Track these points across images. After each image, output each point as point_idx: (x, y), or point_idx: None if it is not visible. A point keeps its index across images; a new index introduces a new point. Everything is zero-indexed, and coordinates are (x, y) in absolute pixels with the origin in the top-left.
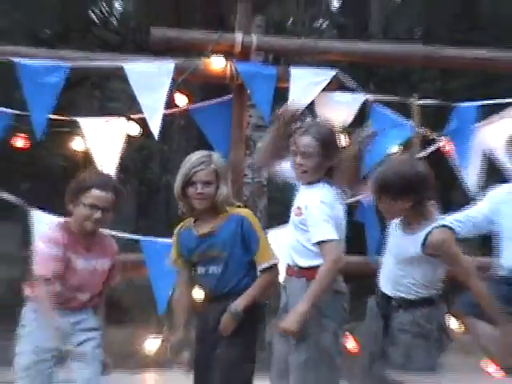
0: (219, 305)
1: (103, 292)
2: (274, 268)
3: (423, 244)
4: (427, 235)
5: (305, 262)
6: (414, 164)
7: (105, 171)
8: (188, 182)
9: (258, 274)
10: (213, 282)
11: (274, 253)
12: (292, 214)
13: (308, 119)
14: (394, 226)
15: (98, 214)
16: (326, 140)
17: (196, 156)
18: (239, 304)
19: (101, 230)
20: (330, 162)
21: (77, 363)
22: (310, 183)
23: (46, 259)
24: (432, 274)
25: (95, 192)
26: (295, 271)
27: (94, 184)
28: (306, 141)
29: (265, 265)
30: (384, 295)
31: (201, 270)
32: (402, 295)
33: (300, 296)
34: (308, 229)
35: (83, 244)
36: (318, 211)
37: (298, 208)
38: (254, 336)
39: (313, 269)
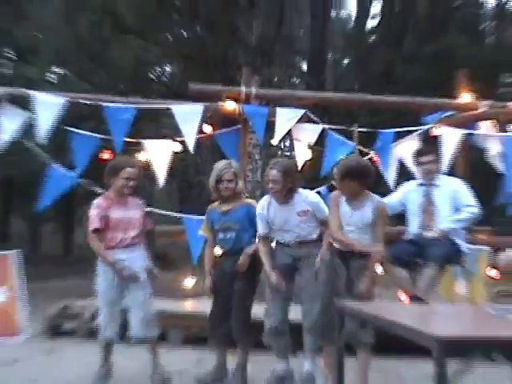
0: (234, 258)
1: (143, 233)
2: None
3: (373, 211)
4: (376, 206)
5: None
6: (362, 159)
7: (131, 159)
8: (219, 180)
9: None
10: (230, 244)
11: None
12: (294, 218)
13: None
14: (345, 204)
15: (131, 183)
16: (287, 171)
17: (222, 163)
18: (249, 249)
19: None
20: (290, 184)
21: (135, 288)
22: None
23: (92, 219)
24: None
25: (128, 169)
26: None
27: (126, 164)
28: (273, 172)
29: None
30: (341, 251)
31: (221, 235)
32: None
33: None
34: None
35: (120, 203)
36: (322, 205)
37: (303, 212)
38: (256, 277)
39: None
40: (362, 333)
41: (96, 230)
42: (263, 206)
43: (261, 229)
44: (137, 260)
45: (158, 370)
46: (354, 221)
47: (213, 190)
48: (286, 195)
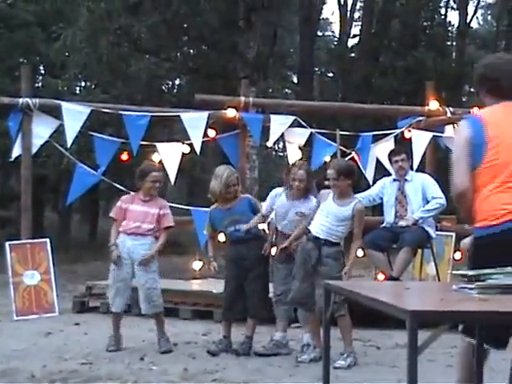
0: (245, 244)
1: (160, 230)
2: (271, 222)
3: (352, 210)
4: (355, 205)
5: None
6: (349, 161)
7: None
8: (228, 185)
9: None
10: (239, 234)
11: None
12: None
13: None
14: (331, 198)
15: (157, 185)
16: (310, 172)
17: (226, 171)
18: (270, 240)
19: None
20: (309, 185)
21: (140, 271)
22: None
23: (114, 209)
24: (347, 229)
25: (154, 173)
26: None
27: (152, 169)
28: (300, 172)
29: (268, 220)
30: (316, 237)
31: (231, 228)
32: (330, 239)
33: None
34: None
35: (143, 200)
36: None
37: (301, 214)
38: (267, 260)
39: None
40: (336, 307)
41: (112, 218)
42: (276, 193)
43: (264, 209)
44: (140, 248)
45: (164, 337)
46: (333, 212)
47: (219, 195)
48: (301, 195)
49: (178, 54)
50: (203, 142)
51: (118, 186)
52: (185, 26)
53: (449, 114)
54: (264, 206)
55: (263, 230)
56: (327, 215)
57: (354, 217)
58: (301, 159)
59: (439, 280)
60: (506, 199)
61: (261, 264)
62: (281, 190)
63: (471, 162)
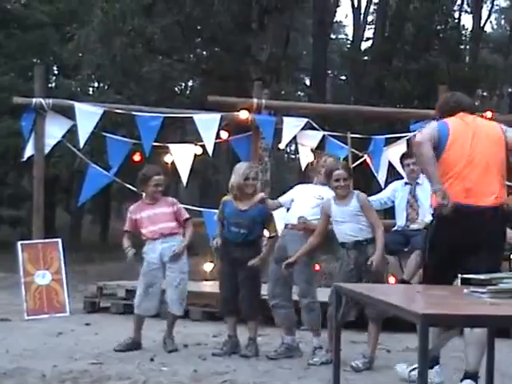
0: (242, 248)
1: (181, 225)
2: (274, 237)
3: (357, 201)
4: (357, 197)
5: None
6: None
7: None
8: (246, 178)
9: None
10: (241, 237)
11: (276, 228)
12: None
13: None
14: (334, 206)
15: (160, 188)
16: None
17: (245, 164)
18: (264, 253)
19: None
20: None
21: (172, 272)
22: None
23: (127, 222)
24: (366, 221)
25: (156, 177)
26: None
27: (154, 173)
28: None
29: (272, 234)
30: (344, 244)
31: (235, 229)
32: (358, 238)
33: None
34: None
35: (149, 204)
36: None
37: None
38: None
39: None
40: (373, 312)
41: (125, 231)
42: (300, 189)
43: (283, 199)
44: (171, 249)
45: (170, 337)
46: (343, 214)
47: (236, 189)
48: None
49: (191, 56)
50: (215, 143)
51: (130, 186)
52: (198, 27)
53: None
54: (285, 197)
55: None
56: (340, 218)
57: (362, 207)
58: (312, 162)
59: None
60: (458, 186)
61: (252, 267)
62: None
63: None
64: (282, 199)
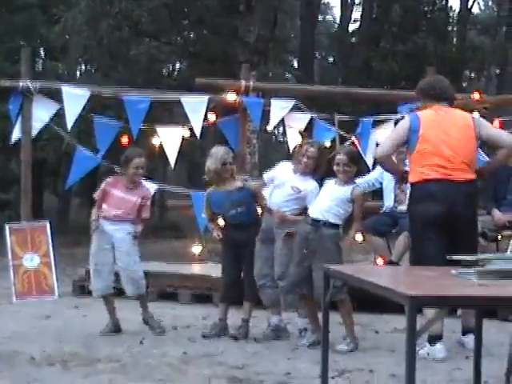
0: (245, 229)
1: (139, 216)
2: (266, 206)
3: (351, 193)
4: (353, 189)
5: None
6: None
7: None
8: (224, 163)
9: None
10: (242, 216)
11: (266, 200)
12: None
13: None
14: (333, 182)
15: (140, 171)
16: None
17: (221, 149)
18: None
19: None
20: (318, 164)
21: (118, 254)
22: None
23: (98, 191)
24: (346, 210)
25: (136, 160)
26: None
27: (135, 155)
28: (312, 149)
29: (264, 202)
30: (315, 220)
31: (233, 211)
32: (329, 219)
33: None
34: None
35: (128, 186)
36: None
37: (297, 189)
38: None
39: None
40: (335, 292)
41: (94, 200)
42: (284, 167)
43: (266, 176)
44: (118, 232)
45: (152, 317)
46: (331, 192)
47: (214, 173)
48: (306, 172)
49: (179, 38)
50: (203, 126)
51: (119, 168)
52: (185, 10)
53: None
54: (268, 175)
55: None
56: (326, 194)
57: (354, 201)
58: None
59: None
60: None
61: (254, 248)
62: (289, 164)
63: (408, 148)
64: (266, 176)
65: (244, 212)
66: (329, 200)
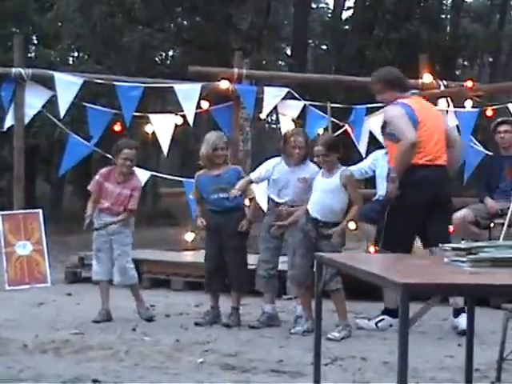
0: (226, 215)
1: (127, 210)
2: (254, 198)
3: (340, 178)
4: (341, 174)
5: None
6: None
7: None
8: (215, 149)
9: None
10: (223, 203)
11: (253, 190)
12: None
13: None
14: (320, 175)
15: (128, 163)
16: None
17: (214, 134)
18: (249, 216)
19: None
20: (307, 151)
21: (114, 244)
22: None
23: (92, 183)
24: (342, 201)
25: (126, 151)
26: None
27: (125, 146)
28: (299, 139)
29: (251, 196)
30: (314, 219)
31: (215, 195)
32: (328, 220)
33: None
34: None
35: (118, 179)
36: None
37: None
38: (245, 236)
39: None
40: (328, 281)
41: (89, 192)
42: (274, 164)
43: (254, 175)
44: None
45: (143, 306)
46: (322, 187)
47: (206, 158)
48: (301, 161)
49: (172, 25)
50: (196, 113)
51: (111, 157)
52: None
53: (442, 88)
54: (255, 173)
55: (247, 205)
56: (317, 189)
57: (346, 185)
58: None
59: (431, 253)
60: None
61: (239, 235)
62: (279, 160)
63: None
64: (253, 175)
65: (226, 198)
66: (323, 198)
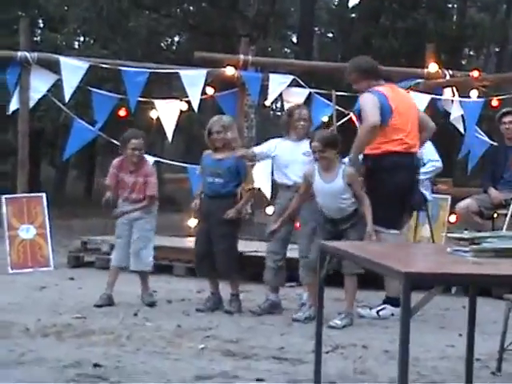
0: (218, 201)
1: (146, 196)
2: (252, 190)
3: (343, 179)
4: (343, 173)
5: None
6: (330, 131)
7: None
8: (209, 132)
9: (243, 191)
10: (216, 188)
11: (254, 181)
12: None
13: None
14: (317, 177)
15: (137, 152)
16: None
17: (213, 119)
18: (239, 206)
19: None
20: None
21: (135, 228)
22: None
23: (108, 175)
24: (352, 194)
25: (133, 141)
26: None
27: (132, 136)
28: (304, 111)
29: (249, 187)
30: (332, 219)
31: (210, 179)
32: (345, 214)
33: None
34: None
35: (130, 168)
36: None
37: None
38: (239, 220)
39: None
40: (347, 264)
41: (108, 186)
42: (275, 141)
43: (257, 150)
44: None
45: (147, 292)
46: (327, 192)
47: (207, 142)
48: (305, 135)
49: (178, 11)
50: (201, 99)
51: (115, 141)
52: None
53: (448, 77)
54: (258, 148)
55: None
56: (324, 195)
57: (351, 184)
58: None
59: (434, 242)
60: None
61: (228, 223)
62: (280, 139)
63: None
64: (257, 150)
65: (220, 184)
66: (334, 202)
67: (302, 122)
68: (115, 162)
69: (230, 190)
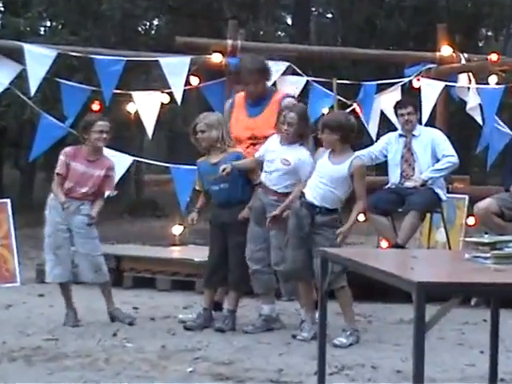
0: (229, 210)
1: (100, 194)
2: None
3: (349, 167)
4: (351, 162)
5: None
6: (345, 113)
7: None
8: (194, 132)
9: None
10: (224, 194)
11: (260, 174)
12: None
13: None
14: (326, 157)
15: (104, 135)
16: (303, 116)
17: (200, 116)
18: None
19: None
20: (302, 129)
21: (78, 237)
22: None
23: (58, 164)
24: (346, 191)
25: (100, 122)
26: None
27: (97, 118)
28: (291, 115)
29: (257, 182)
30: (310, 204)
31: (215, 187)
32: (326, 205)
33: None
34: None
35: (89, 158)
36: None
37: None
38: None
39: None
40: (334, 278)
41: (58, 175)
42: (271, 139)
43: (258, 153)
44: (77, 212)
45: (117, 308)
46: (327, 173)
47: (193, 142)
48: (292, 140)
49: None
50: (185, 90)
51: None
52: None
53: (463, 61)
54: (259, 151)
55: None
56: (322, 176)
57: (353, 175)
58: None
59: (450, 248)
60: None
61: (243, 231)
62: (275, 137)
63: None
64: (257, 153)
65: (227, 189)
66: (324, 181)
67: (284, 127)
68: (68, 149)
69: (239, 194)
